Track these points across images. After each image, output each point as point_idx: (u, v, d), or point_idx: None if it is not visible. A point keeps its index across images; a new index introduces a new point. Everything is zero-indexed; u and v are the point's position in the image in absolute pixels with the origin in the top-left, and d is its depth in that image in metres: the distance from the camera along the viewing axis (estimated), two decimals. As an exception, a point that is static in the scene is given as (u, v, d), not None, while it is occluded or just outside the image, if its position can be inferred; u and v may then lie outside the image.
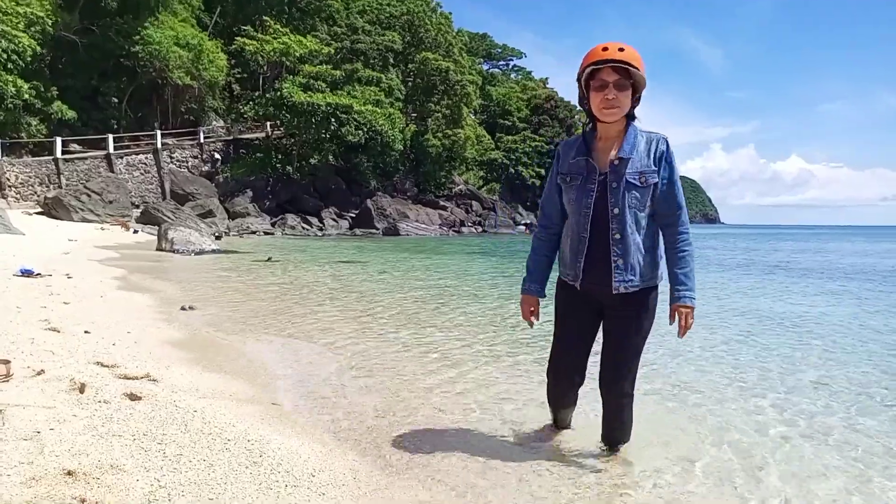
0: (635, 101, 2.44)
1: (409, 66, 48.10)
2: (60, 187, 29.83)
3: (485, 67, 76.39)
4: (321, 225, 38.27)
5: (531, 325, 2.74)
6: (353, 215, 40.87)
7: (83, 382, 3.34)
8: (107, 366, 3.85)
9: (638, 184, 2.41)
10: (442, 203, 48.84)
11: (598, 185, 2.45)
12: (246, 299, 8.04)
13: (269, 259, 15.35)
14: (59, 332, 4.79)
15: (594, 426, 2.91)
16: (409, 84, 48.35)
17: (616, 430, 2.75)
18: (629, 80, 2.37)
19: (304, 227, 36.81)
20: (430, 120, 48.06)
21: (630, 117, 2.47)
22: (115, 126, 35.47)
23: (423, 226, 41.45)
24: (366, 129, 39.90)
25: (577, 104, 2.60)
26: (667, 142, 2.48)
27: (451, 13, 55.87)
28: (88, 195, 27.57)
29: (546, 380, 2.82)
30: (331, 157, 41.56)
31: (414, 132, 47.61)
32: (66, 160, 31.30)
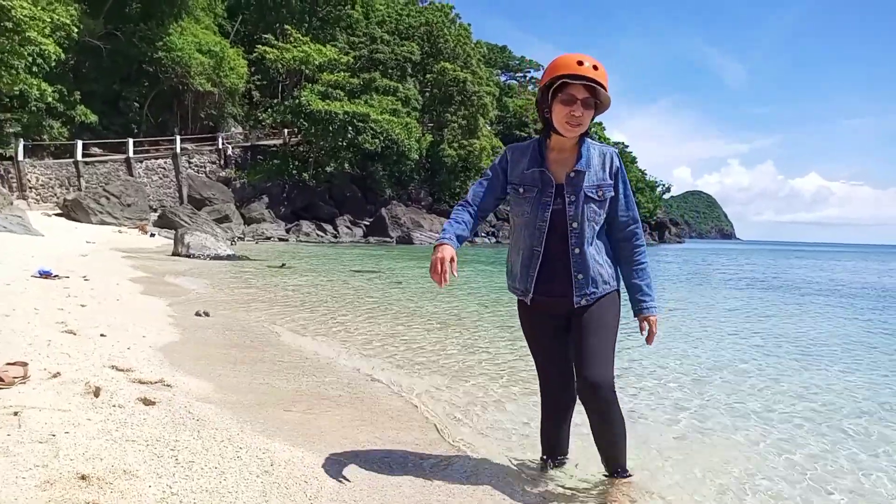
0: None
1: (427, 76, 48.37)
2: (80, 190, 30.27)
3: (502, 79, 76.67)
4: (335, 232, 38.47)
5: (441, 279, 2.23)
6: (368, 223, 41.04)
7: (98, 386, 3.37)
8: (121, 370, 3.89)
9: (596, 197, 2.37)
10: (456, 213, 48.86)
11: (554, 199, 2.38)
12: (260, 305, 8.08)
13: (283, 265, 15.43)
14: (75, 334, 4.84)
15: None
16: (427, 94, 48.60)
17: (609, 440, 2.49)
18: (595, 100, 2.30)
19: (318, 234, 37.03)
20: (446, 130, 48.20)
21: (584, 133, 2.40)
22: (136, 130, 36.00)
23: (436, 235, 41.29)
24: (382, 138, 40.14)
25: (535, 108, 2.48)
26: (618, 156, 2.46)
27: (469, 24, 56.14)
28: (107, 198, 27.94)
29: (539, 402, 2.66)
30: (347, 165, 41.83)
31: (430, 142, 47.81)
32: (86, 163, 31.77)
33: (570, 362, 2.51)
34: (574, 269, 2.38)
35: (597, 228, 2.40)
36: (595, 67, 2.25)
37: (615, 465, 2.54)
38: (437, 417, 3.58)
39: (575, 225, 2.36)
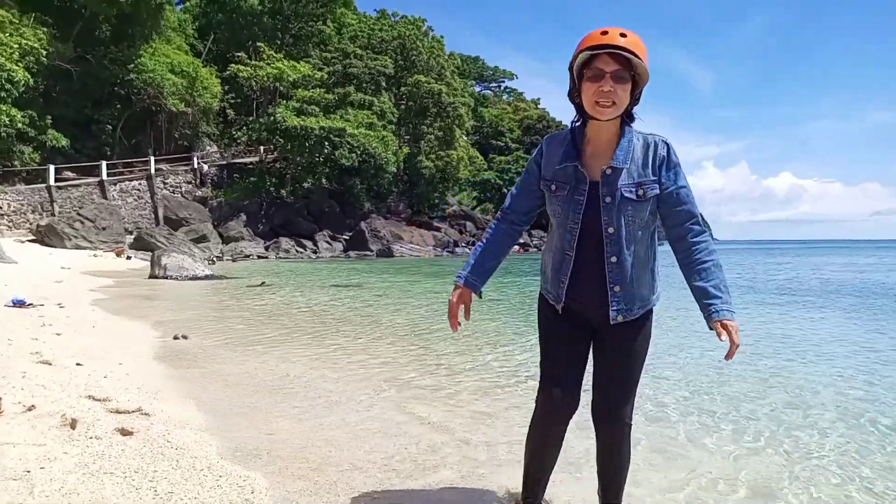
0: (634, 99, 2.07)
1: (402, 89, 48.53)
2: (53, 215, 29.83)
3: (477, 89, 77.17)
4: (315, 248, 38.28)
5: (455, 327, 2.20)
6: (347, 237, 40.92)
7: (74, 418, 3.33)
8: (98, 399, 3.84)
9: (635, 198, 2.06)
10: (436, 224, 48.99)
11: (588, 198, 2.09)
12: (239, 327, 8.01)
13: (262, 284, 15.32)
14: (50, 364, 4.77)
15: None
16: (402, 107, 48.74)
17: (614, 470, 2.29)
18: (630, 73, 1.99)
19: (297, 251, 36.82)
20: (423, 142, 48.37)
21: (628, 117, 2.10)
22: (109, 153, 35.60)
23: (416, 247, 41.49)
24: (359, 152, 40.13)
25: (567, 98, 2.16)
26: (668, 145, 2.11)
27: (442, 37, 56.52)
28: (81, 222, 27.56)
29: (533, 414, 2.32)
30: (324, 181, 41.74)
31: (407, 154, 47.89)
32: (59, 188, 31.32)
33: (583, 365, 2.26)
34: (610, 281, 2.10)
35: (639, 233, 2.10)
36: (623, 35, 1.96)
37: (613, 495, 2.33)
38: (422, 442, 3.58)
39: (611, 230, 2.06)
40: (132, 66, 34.35)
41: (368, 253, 38.31)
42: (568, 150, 2.12)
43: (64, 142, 31.61)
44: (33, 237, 26.93)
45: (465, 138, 56.52)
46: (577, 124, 2.17)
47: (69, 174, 32.72)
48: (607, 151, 2.09)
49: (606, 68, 1.97)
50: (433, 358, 6.01)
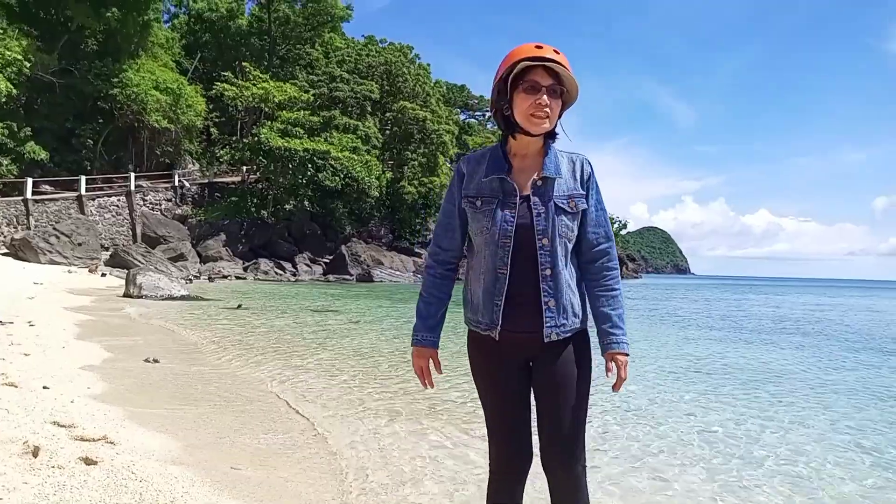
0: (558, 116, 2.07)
1: (387, 114, 48.87)
2: (29, 228, 29.37)
3: (462, 117, 77.80)
4: (294, 270, 38.02)
5: (427, 385, 2.17)
6: (327, 261, 40.72)
7: (37, 445, 3.27)
8: (64, 426, 3.77)
9: (568, 209, 2.03)
10: (416, 250, 49.00)
11: (519, 211, 2.01)
12: (213, 350, 7.93)
13: (238, 307, 15.18)
14: (16, 387, 4.69)
15: None
16: (387, 132, 49.02)
17: None
18: (562, 88, 2.01)
19: (277, 272, 36.54)
20: (406, 167, 48.57)
21: (550, 135, 2.09)
22: (89, 168, 35.26)
23: (397, 272, 41.41)
24: (342, 176, 40.21)
25: (490, 111, 2.14)
26: (590, 164, 2.13)
27: (429, 64, 57.20)
28: (57, 237, 27.16)
29: (489, 476, 2.14)
30: (306, 203, 41.67)
31: (390, 179, 48.03)
32: (35, 201, 30.91)
33: (528, 407, 2.11)
34: (545, 295, 2.00)
35: (569, 247, 2.05)
36: (556, 51, 1.98)
37: None
38: (402, 475, 3.57)
39: (545, 241, 1.99)
40: (116, 80, 34.21)
41: (348, 277, 38.14)
42: (495, 164, 2.08)
43: (43, 155, 31.29)
44: (7, 251, 26.48)
45: (449, 165, 56.84)
46: (500, 141, 2.16)
47: (47, 188, 32.31)
48: (534, 165, 2.07)
49: (543, 82, 1.97)
50: (405, 387, 5.99)
